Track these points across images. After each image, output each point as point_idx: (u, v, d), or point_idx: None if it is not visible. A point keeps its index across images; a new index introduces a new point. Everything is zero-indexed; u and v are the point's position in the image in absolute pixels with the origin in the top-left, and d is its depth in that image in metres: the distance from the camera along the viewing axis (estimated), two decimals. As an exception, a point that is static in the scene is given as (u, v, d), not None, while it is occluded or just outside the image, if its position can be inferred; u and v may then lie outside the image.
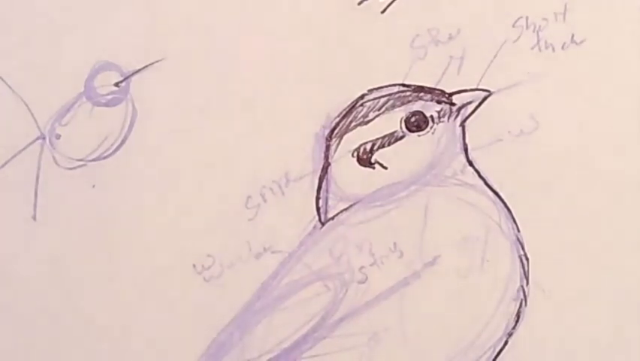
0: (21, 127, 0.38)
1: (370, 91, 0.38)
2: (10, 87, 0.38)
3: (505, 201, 0.38)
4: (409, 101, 0.38)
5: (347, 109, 0.38)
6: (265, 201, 0.37)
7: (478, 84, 0.38)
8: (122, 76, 0.38)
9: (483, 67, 0.37)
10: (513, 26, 0.38)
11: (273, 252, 0.37)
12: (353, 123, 0.37)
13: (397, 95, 0.38)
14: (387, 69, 0.38)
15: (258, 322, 0.37)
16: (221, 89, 0.38)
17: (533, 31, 0.38)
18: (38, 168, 0.37)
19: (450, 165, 0.38)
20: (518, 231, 0.37)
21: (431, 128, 0.38)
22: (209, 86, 0.38)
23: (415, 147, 0.38)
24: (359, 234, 0.37)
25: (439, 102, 0.38)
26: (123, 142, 0.38)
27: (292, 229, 0.37)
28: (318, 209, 0.38)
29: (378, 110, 0.37)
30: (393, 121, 0.38)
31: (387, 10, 0.38)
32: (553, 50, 0.38)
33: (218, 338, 0.37)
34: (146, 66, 0.38)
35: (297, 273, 0.37)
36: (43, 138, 0.38)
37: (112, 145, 0.38)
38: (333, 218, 0.38)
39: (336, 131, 0.38)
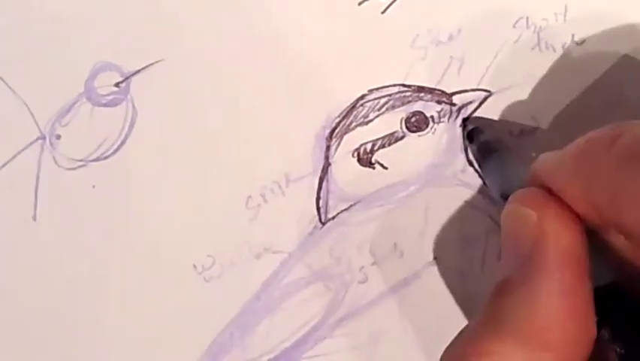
0: (21, 127, 0.37)
1: (370, 91, 0.38)
2: (10, 87, 0.38)
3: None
4: (410, 102, 0.38)
5: (347, 109, 0.38)
6: (265, 201, 0.37)
7: (478, 84, 0.38)
8: (122, 76, 0.38)
9: (483, 67, 0.37)
10: (513, 27, 0.38)
11: (273, 252, 0.37)
12: (353, 123, 0.37)
13: (397, 96, 0.38)
14: (387, 69, 0.38)
15: (258, 322, 0.37)
16: (221, 89, 0.38)
17: (533, 32, 0.38)
18: (38, 169, 0.37)
19: (450, 165, 0.38)
20: (518, 231, 0.37)
21: (431, 128, 0.38)
22: (209, 87, 0.38)
23: (415, 147, 0.38)
24: (359, 234, 0.37)
25: (439, 102, 0.38)
26: (123, 142, 0.38)
27: (292, 229, 0.37)
28: (318, 209, 0.38)
29: (379, 110, 0.37)
30: (393, 121, 0.38)
31: (388, 11, 0.38)
32: (554, 50, 0.38)
33: (218, 338, 0.37)
34: (146, 66, 0.38)
35: (297, 273, 0.37)
36: (43, 138, 0.37)
37: (112, 145, 0.38)
38: (333, 218, 0.38)
39: (336, 132, 0.38)
